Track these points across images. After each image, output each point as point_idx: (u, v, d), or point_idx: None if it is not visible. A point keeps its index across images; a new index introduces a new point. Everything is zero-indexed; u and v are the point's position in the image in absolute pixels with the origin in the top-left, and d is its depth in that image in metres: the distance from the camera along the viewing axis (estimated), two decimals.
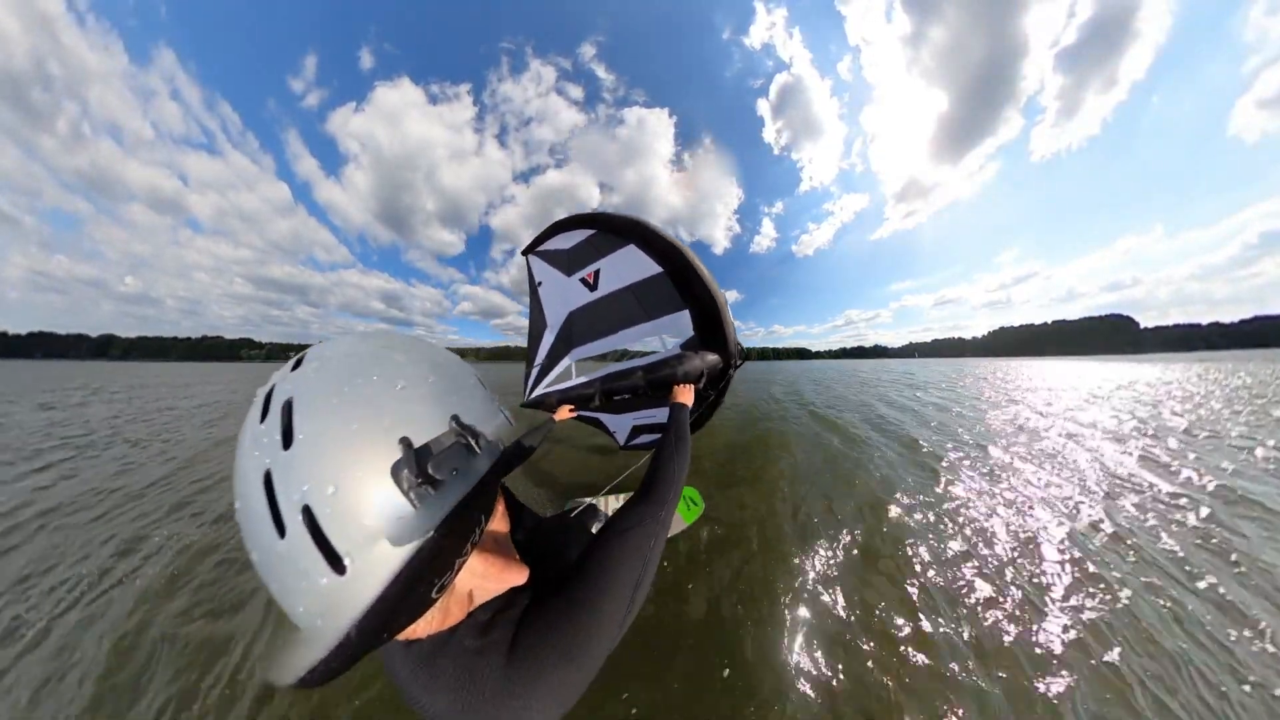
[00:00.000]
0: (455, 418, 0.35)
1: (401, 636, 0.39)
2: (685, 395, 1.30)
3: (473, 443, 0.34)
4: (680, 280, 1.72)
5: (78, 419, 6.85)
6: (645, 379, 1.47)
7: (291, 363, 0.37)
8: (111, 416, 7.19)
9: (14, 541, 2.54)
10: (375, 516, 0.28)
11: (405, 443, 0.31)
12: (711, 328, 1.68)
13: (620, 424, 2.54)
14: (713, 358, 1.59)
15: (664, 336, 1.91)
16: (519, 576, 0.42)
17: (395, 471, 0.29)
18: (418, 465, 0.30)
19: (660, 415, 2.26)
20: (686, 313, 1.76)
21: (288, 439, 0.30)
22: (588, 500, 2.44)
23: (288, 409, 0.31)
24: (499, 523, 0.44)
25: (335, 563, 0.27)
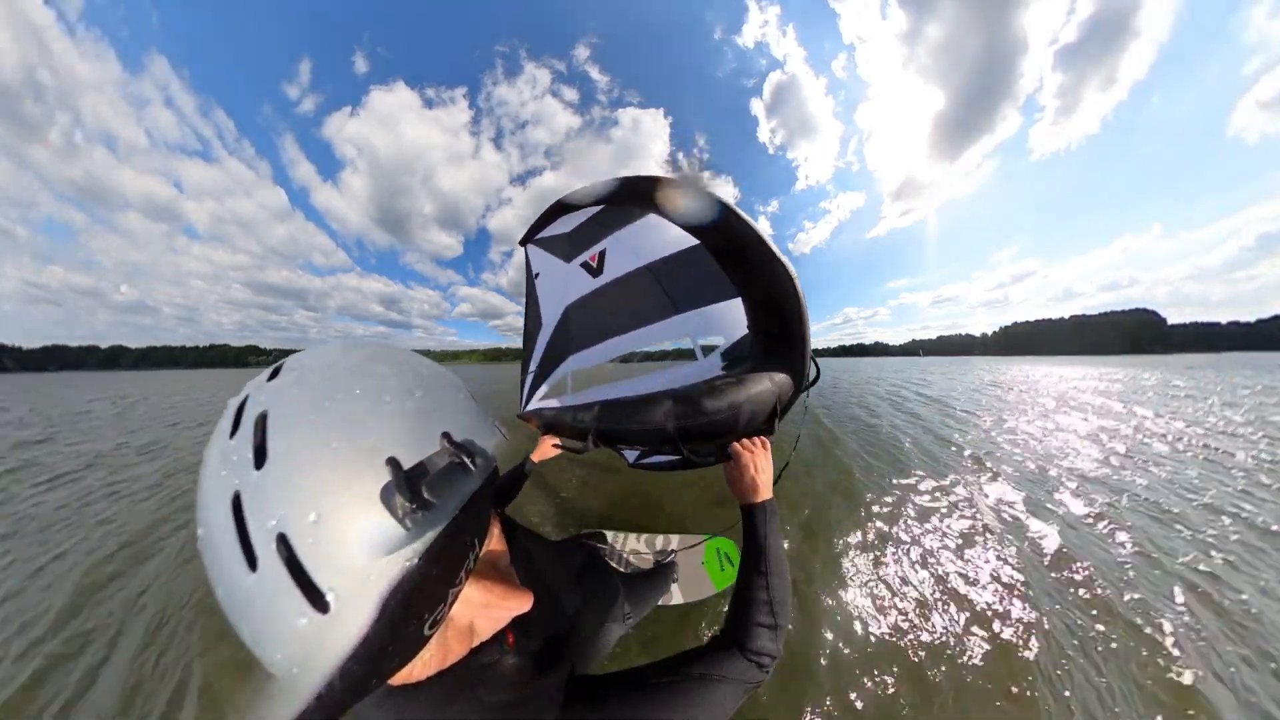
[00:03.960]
0: (447, 435, 0.32)
1: (395, 680, 0.35)
2: (761, 468, 0.72)
3: (467, 462, 0.31)
4: (730, 253, 1.12)
5: None
6: (676, 425, 0.87)
7: (268, 372, 0.33)
8: None
9: None
10: (363, 545, 0.25)
11: (393, 463, 0.27)
12: (780, 320, 1.04)
13: None
14: (781, 377, 0.97)
15: (696, 338, 1.33)
16: (522, 603, 0.38)
17: (386, 495, 0.26)
18: (410, 487, 0.27)
19: None
20: (738, 301, 1.17)
21: (260, 457, 0.27)
22: (591, 532, 2.04)
23: (261, 424, 0.28)
24: (495, 545, 0.41)
25: (316, 599, 0.24)
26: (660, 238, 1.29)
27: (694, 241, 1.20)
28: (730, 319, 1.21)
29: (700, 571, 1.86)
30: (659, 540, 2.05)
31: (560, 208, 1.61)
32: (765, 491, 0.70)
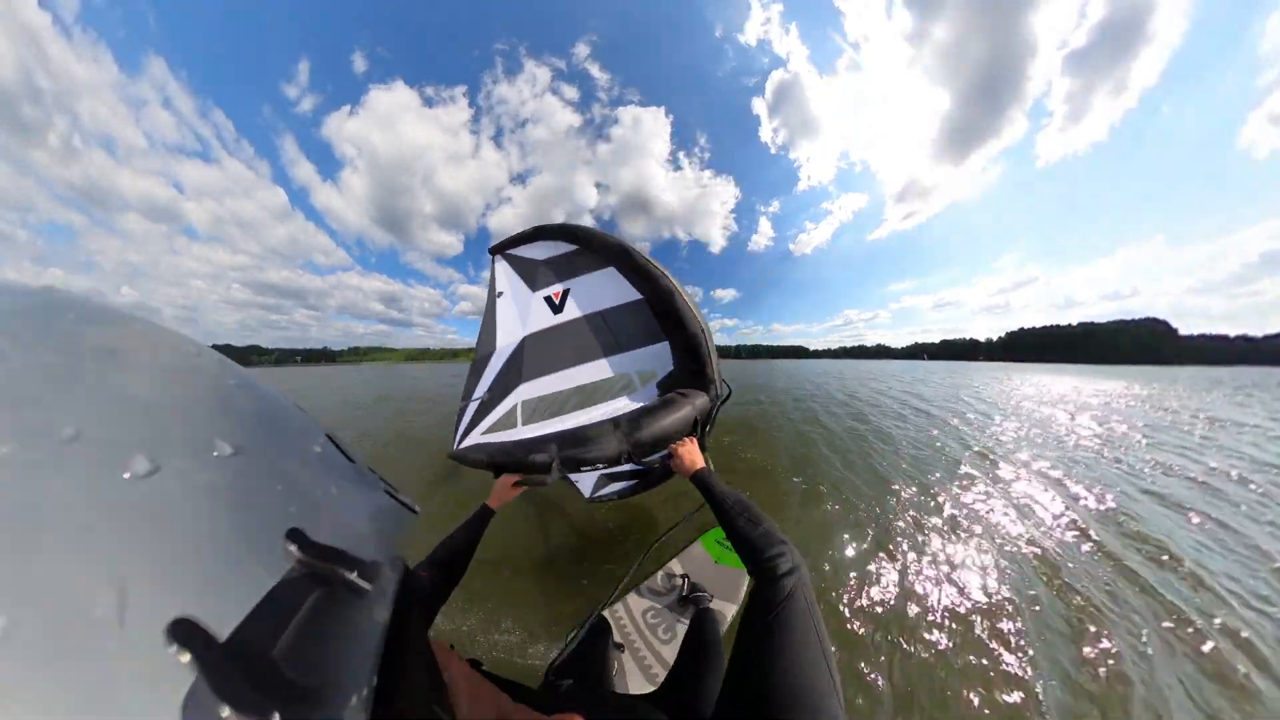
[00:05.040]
0: (298, 535, 0.14)
1: None
2: (693, 454, 1.01)
3: (355, 579, 0.16)
4: (663, 309, 1.46)
5: None
6: (629, 441, 1.11)
7: None
8: None
9: None
10: None
11: (186, 632, 0.11)
12: (696, 360, 1.41)
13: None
14: (701, 399, 1.31)
15: (636, 372, 1.58)
16: None
17: (200, 715, 0.11)
18: (249, 674, 0.12)
19: None
20: (666, 344, 1.46)
21: None
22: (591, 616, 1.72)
23: None
24: (465, 687, 0.25)
25: None
26: (614, 288, 1.57)
27: (638, 295, 1.50)
28: (661, 357, 1.49)
29: (721, 572, 1.73)
30: (659, 576, 1.87)
31: (539, 232, 1.81)
32: (700, 463, 0.98)
